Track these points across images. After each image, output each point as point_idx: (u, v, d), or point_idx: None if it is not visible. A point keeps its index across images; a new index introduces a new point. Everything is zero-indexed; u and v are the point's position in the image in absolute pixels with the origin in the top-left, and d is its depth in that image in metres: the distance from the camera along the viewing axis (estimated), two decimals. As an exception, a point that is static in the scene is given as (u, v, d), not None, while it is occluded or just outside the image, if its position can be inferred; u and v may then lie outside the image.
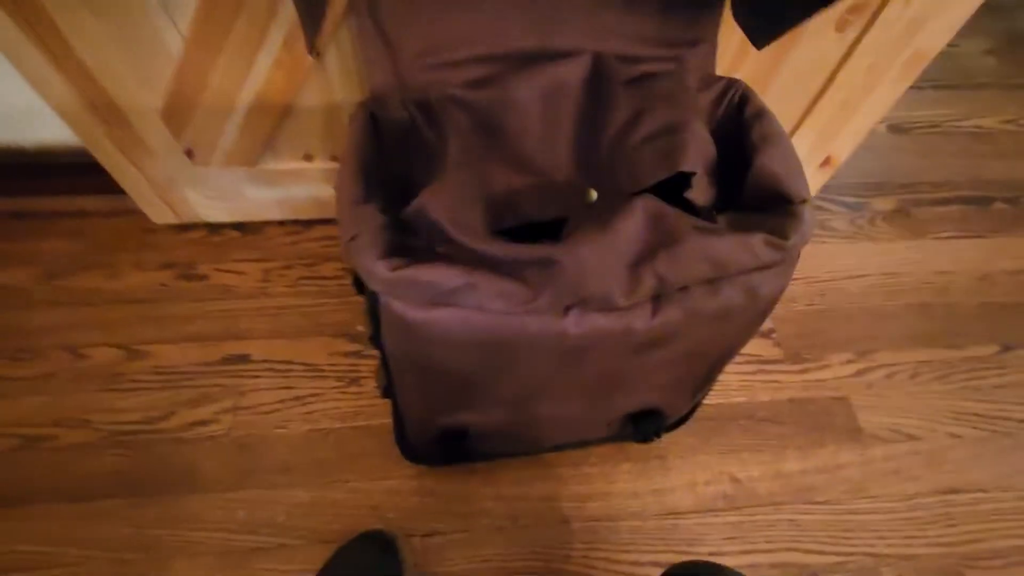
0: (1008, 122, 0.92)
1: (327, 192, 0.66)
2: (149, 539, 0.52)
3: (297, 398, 0.60)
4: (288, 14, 0.46)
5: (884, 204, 0.81)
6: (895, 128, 0.90)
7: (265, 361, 0.62)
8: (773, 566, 0.54)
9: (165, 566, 0.51)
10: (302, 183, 0.64)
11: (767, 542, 0.55)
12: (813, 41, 0.51)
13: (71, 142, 0.62)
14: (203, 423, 0.58)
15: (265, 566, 0.51)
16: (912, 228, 0.79)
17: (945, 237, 0.78)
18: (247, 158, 0.60)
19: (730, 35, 0.50)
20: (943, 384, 0.66)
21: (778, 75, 0.55)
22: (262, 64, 0.50)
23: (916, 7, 0.48)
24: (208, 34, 0.47)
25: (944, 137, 0.90)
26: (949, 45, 0.54)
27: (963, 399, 0.65)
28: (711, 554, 0.54)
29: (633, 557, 0.54)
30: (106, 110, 0.53)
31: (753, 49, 0.52)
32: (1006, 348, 0.69)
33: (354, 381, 0.61)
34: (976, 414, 0.64)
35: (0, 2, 0.43)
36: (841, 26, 0.49)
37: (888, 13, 0.48)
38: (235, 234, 0.71)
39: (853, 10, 0.48)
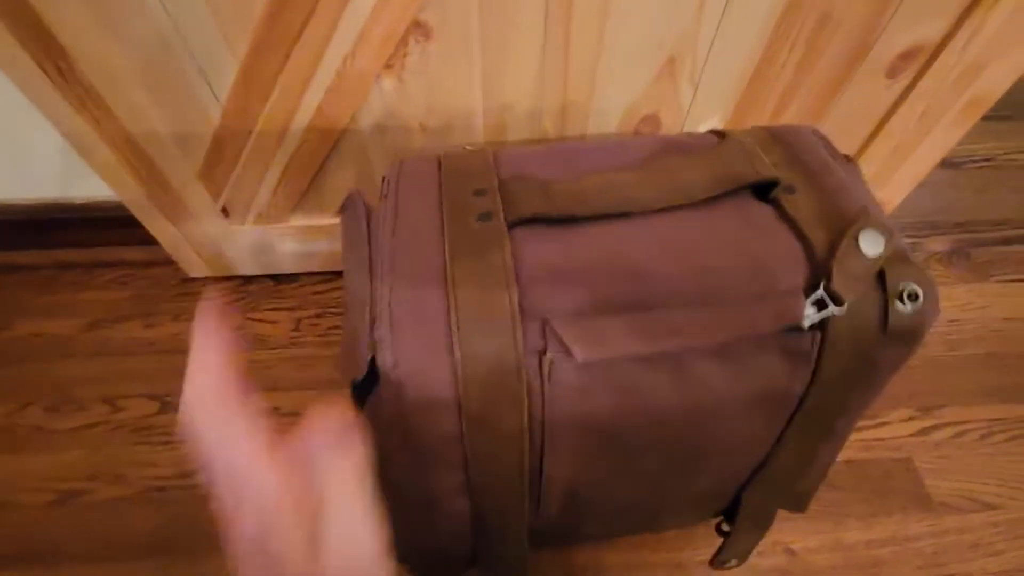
0: (1071, 154, 0.86)
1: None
2: (175, 604, 0.50)
3: (326, 454, 0.59)
4: (323, 80, 0.47)
5: (940, 245, 0.76)
6: (947, 163, 0.85)
7: (293, 415, 0.61)
8: (838, 654, 0.49)
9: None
10: (333, 238, 0.65)
11: (830, 625, 0.50)
12: (861, 88, 0.49)
13: (116, 196, 0.64)
14: (232, 479, 0.57)
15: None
16: (972, 270, 0.74)
17: (1009, 280, 0.72)
18: (280, 215, 0.61)
19: (770, 90, 0.49)
20: (1021, 445, 0.60)
21: (823, 122, 0.53)
22: (296, 128, 0.51)
23: (975, 51, 0.45)
24: (246, 102, 0.48)
25: (1000, 172, 0.85)
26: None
27: (1045, 463, 0.59)
28: (767, 638, 0.49)
29: (680, 639, 0.49)
30: (147, 173, 0.54)
31: (797, 94, 0.50)
32: (1091, 404, 0.62)
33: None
34: (1062, 480, 0.57)
35: (47, 76, 0.44)
36: (892, 72, 0.47)
37: (945, 58, 0.45)
38: (268, 283, 0.72)
39: (906, 56, 0.46)
